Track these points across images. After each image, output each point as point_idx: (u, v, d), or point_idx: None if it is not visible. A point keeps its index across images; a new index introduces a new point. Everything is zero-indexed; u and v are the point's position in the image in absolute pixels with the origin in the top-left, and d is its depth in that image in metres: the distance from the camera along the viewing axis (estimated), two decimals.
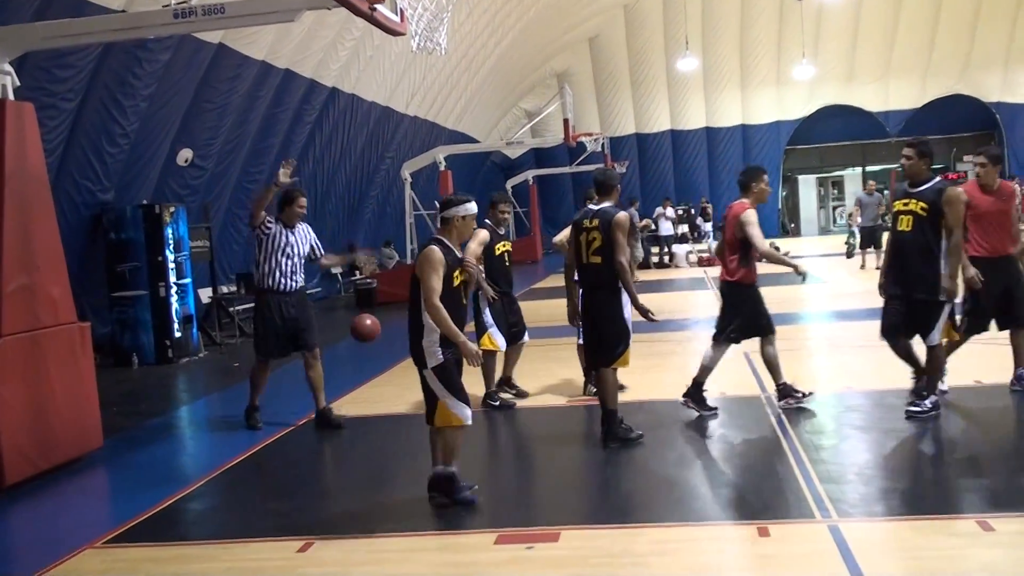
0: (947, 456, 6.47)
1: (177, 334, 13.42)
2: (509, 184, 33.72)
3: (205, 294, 15.56)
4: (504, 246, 9.01)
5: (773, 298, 16.27)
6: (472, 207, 6.05)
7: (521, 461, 7.14)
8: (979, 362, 8.86)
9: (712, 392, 8.72)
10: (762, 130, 37.54)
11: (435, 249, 5.72)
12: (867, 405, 8.01)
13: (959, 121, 37.95)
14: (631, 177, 36.83)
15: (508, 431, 7.85)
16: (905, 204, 7.06)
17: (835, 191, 39.55)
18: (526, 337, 9.22)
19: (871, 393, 8.29)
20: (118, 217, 13.33)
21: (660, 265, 25.97)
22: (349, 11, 6.98)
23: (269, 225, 8.33)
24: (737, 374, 9.48)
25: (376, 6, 7.09)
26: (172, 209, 13.69)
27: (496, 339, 8.73)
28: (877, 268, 15.58)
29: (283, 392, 11.00)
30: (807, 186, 39.57)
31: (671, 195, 36.51)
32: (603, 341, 7.17)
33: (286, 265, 8.44)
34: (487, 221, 8.90)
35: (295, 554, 5.20)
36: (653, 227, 26.37)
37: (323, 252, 8.95)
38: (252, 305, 8.92)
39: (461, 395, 5.85)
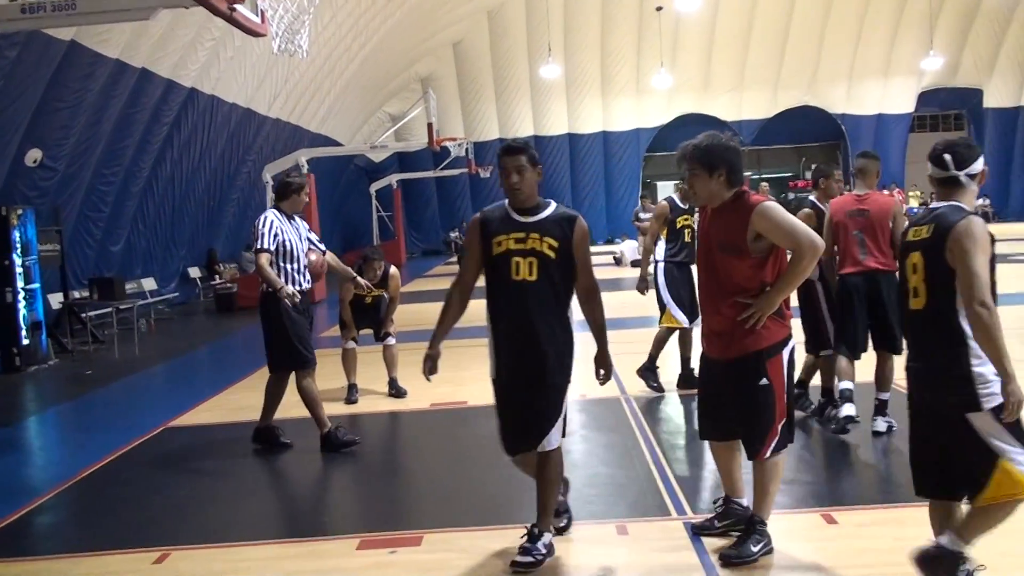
0: (796, 453, 6.73)
1: (25, 341, 12.87)
2: (373, 188, 33.52)
3: (55, 299, 14.99)
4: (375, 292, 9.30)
5: (629, 302, 16.61)
6: None
7: (383, 465, 7.10)
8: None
9: (573, 395, 8.89)
10: (623, 137, 38.40)
11: None
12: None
13: (807, 131, 39.70)
14: (494, 182, 37.06)
15: (371, 435, 7.81)
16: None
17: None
18: (392, 340, 9.39)
19: None
20: None
21: None
22: (208, 10, 6.85)
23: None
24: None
25: (235, 6, 6.98)
26: (20, 211, 13.13)
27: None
28: None
29: (138, 399, 10.74)
30: (665, 192, 40.35)
31: None
32: None
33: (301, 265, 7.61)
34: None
35: (151, 565, 5.07)
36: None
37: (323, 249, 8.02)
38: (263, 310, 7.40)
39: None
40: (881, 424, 6.89)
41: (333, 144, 29.33)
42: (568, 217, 4.79)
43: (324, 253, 7.71)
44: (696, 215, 8.44)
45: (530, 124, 37.88)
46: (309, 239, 7.57)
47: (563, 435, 4.85)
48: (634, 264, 24.18)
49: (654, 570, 4.59)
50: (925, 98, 39.90)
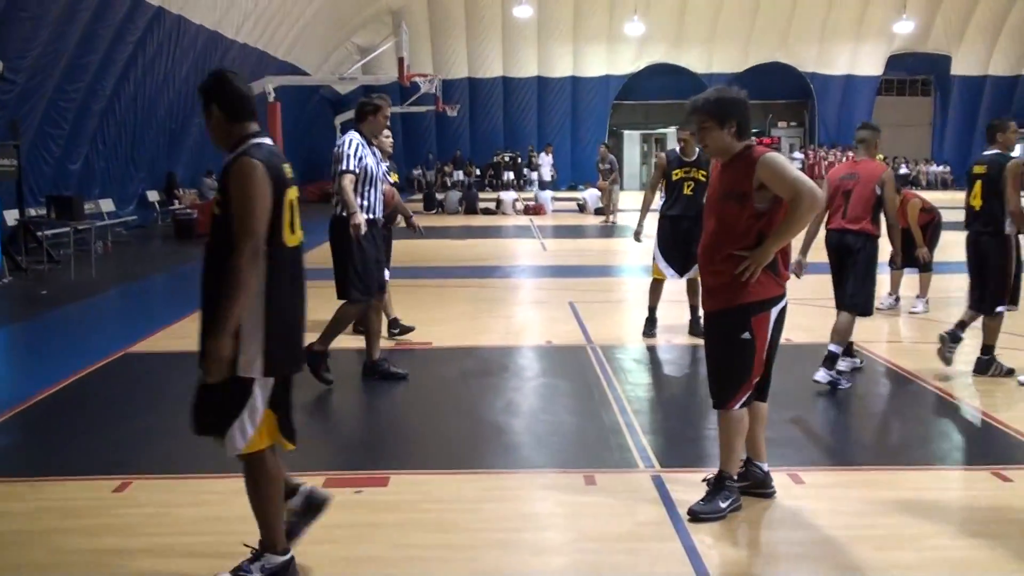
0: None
1: None
2: (338, 120, 33.03)
3: (11, 216, 14.66)
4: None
5: (592, 250, 16.65)
6: None
7: (347, 405, 7.06)
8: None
9: (539, 341, 8.91)
10: (592, 83, 38.16)
11: None
12: (684, 358, 8.33)
13: (776, 88, 39.73)
14: (461, 121, 36.77)
15: (337, 373, 7.74)
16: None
17: (658, 148, 40.61)
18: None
19: (687, 347, 8.61)
20: None
21: (487, 212, 26.09)
22: None
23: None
24: (563, 323, 9.67)
25: None
26: None
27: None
28: None
29: (96, 322, 10.58)
30: (631, 141, 40.50)
31: (500, 142, 36.87)
32: None
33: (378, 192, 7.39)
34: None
35: (111, 494, 4.99)
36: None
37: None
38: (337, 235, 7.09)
39: None
40: (822, 375, 7.08)
41: (300, 73, 28.80)
42: (228, 163, 3.81)
43: (392, 184, 7.56)
44: (697, 170, 8.52)
45: (500, 65, 37.50)
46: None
47: (247, 440, 3.90)
48: (597, 212, 24.17)
49: (623, 522, 4.59)
50: (894, 62, 40.03)
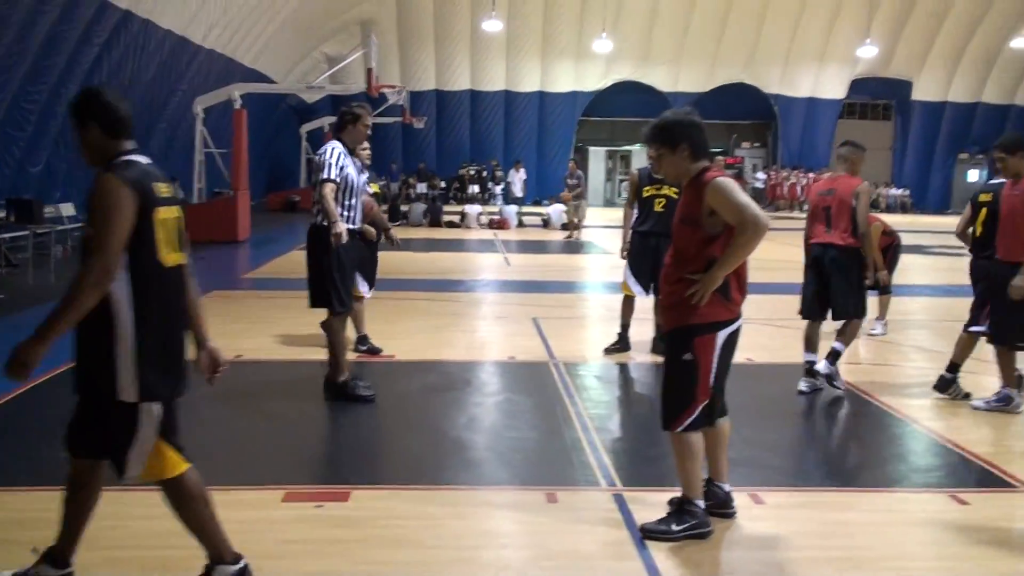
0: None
1: None
2: (304, 129, 32.94)
3: None
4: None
5: (557, 265, 16.68)
6: None
7: (308, 418, 7.00)
8: (754, 341, 9.43)
9: (502, 357, 8.91)
10: (559, 98, 38.30)
11: None
12: (647, 376, 8.36)
13: (740, 109, 40.17)
14: (428, 133, 36.76)
15: (299, 384, 7.69)
16: None
17: (623, 165, 40.85)
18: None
19: (650, 365, 8.64)
20: None
21: (451, 224, 26.08)
22: None
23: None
24: (526, 339, 9.67)
25: None
26: None
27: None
28: None
29: None
30: (597, 158, 40.71)
31: (466, 154, 36.94)
32: None
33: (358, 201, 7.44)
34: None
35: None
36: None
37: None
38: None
39: None
40: (824, 366, 7.62)
41: (267, 81, 28.69)
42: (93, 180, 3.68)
43: (371, 195, 7.53)
44: (668, 187, 8.61)
45: (468, 77, 37.54)
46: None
47: (143, 466, 3.81)
48: (563, 227, 24.21)
49: (583, 540, 4.59)
50: (856, 85, 40.58)
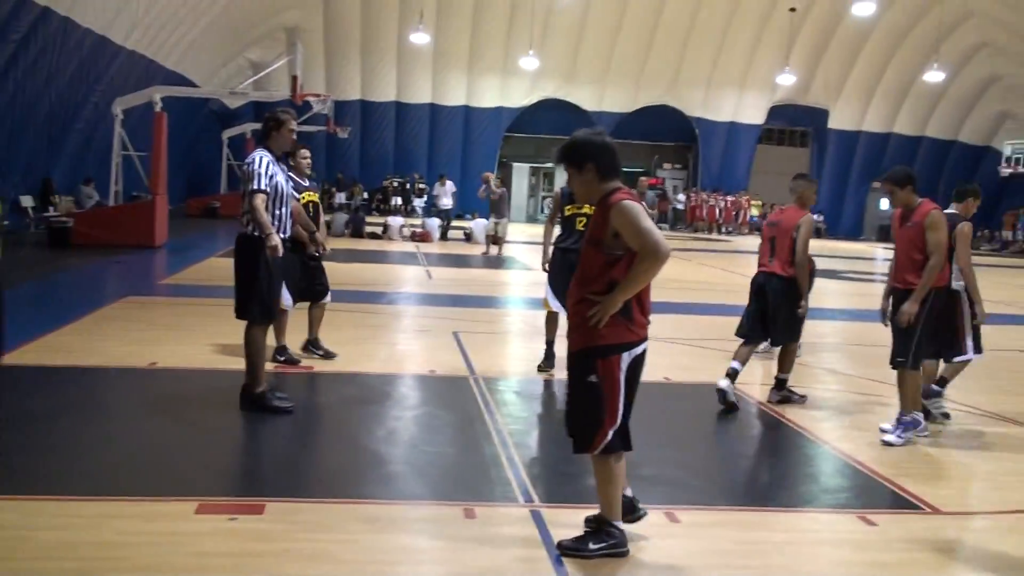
0: (641, 448, 6.87)
1: None
2: (226, 135, 32.52)
3: None
4: (308, 196, 8.79)
5: (478, 280, 16.72)
6: None
7: (223, 428, 6.88)
8: (670, 361, 9.57)
9: (422, 371, 8.89)
10: (485, 114, 38.46)
11: None
12: (560, 392, 8.39)
13: (663, 130, 40.82)
14: (351, 144, 36.58)
15: (215, 392, 7.57)
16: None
17: (546, 182, 41.10)
18: (328, 297, 9.07)
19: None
20: None
21: (373, 236, 25.95)
22: None
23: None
24: (447, 353, 9.67)
25: None
26: None
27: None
28: None
29: None
30: (520, 174, 40.92)
31: (390, 166, 36.86)
32: None
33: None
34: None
35: None
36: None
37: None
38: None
39: None
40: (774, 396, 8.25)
41: (189, 84, 28.26)
42: None
43: (298, 200, 7.42)
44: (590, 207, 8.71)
45: (394, 89, 37.46)
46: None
47: None
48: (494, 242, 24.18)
49: (500, 557, 4.59)
50: (775, 112, 41.54)
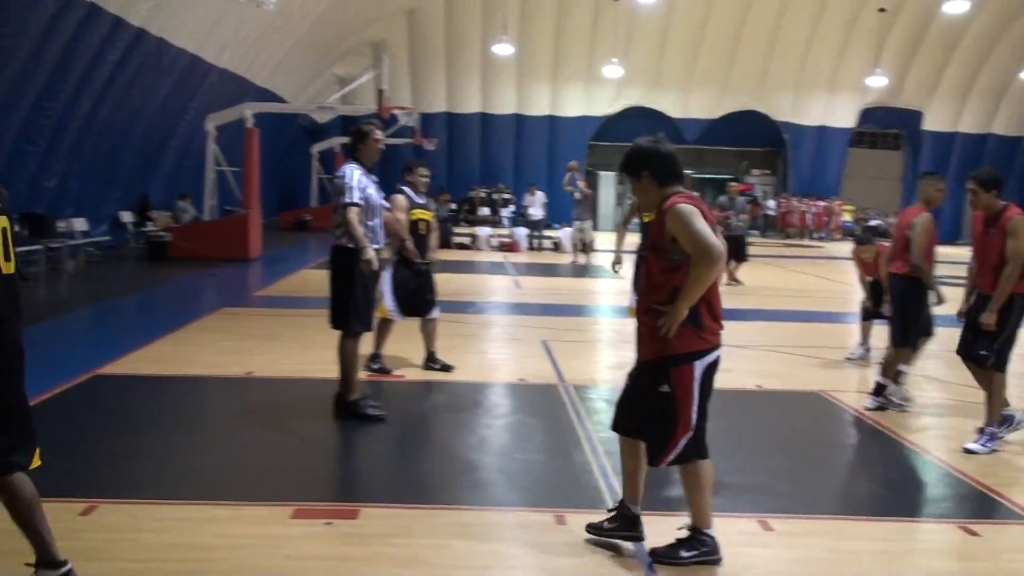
0: (734, 455, 6.80)
1: None
2: (315, 149, 33.12)
3: None
4: (420, 214, 8.86)
5: (567, 288, 16.69)
6: None
7: (319, 436, 7.00)
8: (763, 368, 9.44)
9: (512, 379, 8.92)
10: (569, 123, 38.43)
11: None
12: None
13: (751, 136, 40.27)
14: (438, 155, 36.88)
15: (312, 401, 7.70)
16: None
17: (632, 190, 40.82)
18: (435, 312, 9.12)
19: None
20: None
21: (461, 246, 26.14)
22: None
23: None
24: (536, 361, 9.68)
25: None
26: None
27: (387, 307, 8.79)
28: (732, 280, 16.10)
29: (65, 342, 10.50)
30: (606, 183, 40.72)
31: (476, 177, 37.08)
32: None
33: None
34: (404, 187, 8.76)
35: (77, 517, 4.94)
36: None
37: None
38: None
39: None
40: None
41: (279, 100, 28.87)
42: None
43: (389, 210, 7.55)
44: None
45: (478, 101, 37.72)
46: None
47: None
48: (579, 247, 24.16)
49: (591, 563, 4.60)
50: (867, 115, 40.63)
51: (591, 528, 4.89)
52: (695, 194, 4.68)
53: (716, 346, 4.57)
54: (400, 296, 8.78)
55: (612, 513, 4.88)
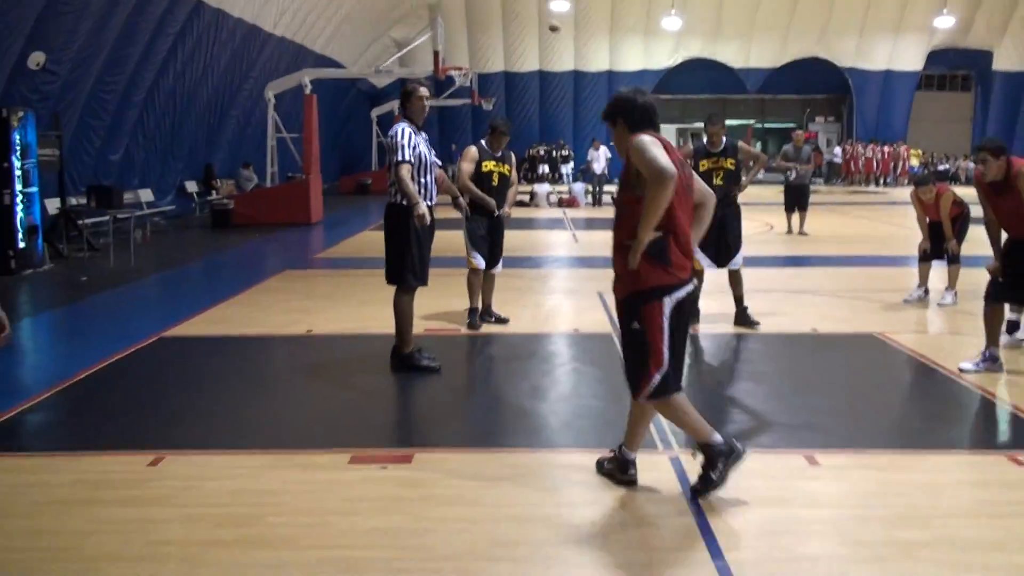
0: (784, 397, 6.83)
1: (21, 244, 12.91)
2: (375, 113, 33.33)
3: (52, 205, 14.98)
4: (491, 165, 8.98)
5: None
6: None
7: (375, 385, 7.17)
8: (819, 311, 9.42)
9: (566, 329, 9.01)
10: (628, 78, 38.03)
11: None
12: (712, 347, 8.40)
13: (814, 83, 39.52)
14: (496, 114, 36.87)
15: (370, 355, 7.88)
16: None
17: (693, 143, 40.42)
18: (498, 267, 9.25)
19: (719, 335, 8.68)
20: None
21: (520, 203, 26.18)
22: None
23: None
24: (592, 313, 9.76)
25: None
26: (20, 114, 13.06)
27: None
28: (801, 233, 15.97)
29: (132, 308, 10.82)
30: (668, 136, 39.93)
31: (535, 135, 36.95)
32: None
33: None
34: (481, 140, 9.05)
35: (145, 467, 5.16)
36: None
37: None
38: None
39: None
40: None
41: (337, 66, 29.08)
42: None
43: (442, 167, 7.66)
44: (725, 159, 9.02)
45: (536, 59, 37.60)
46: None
47: None
48: None
49: (641, 499, 4.71)
50: (934, 57, 39.63)
51: (597, 463, 5.08)
52: (661, 136, 4.69)
53: (685, 281, 4.61)
54: (479, 246, 8.95)
55: (612, 454, 5.03)
